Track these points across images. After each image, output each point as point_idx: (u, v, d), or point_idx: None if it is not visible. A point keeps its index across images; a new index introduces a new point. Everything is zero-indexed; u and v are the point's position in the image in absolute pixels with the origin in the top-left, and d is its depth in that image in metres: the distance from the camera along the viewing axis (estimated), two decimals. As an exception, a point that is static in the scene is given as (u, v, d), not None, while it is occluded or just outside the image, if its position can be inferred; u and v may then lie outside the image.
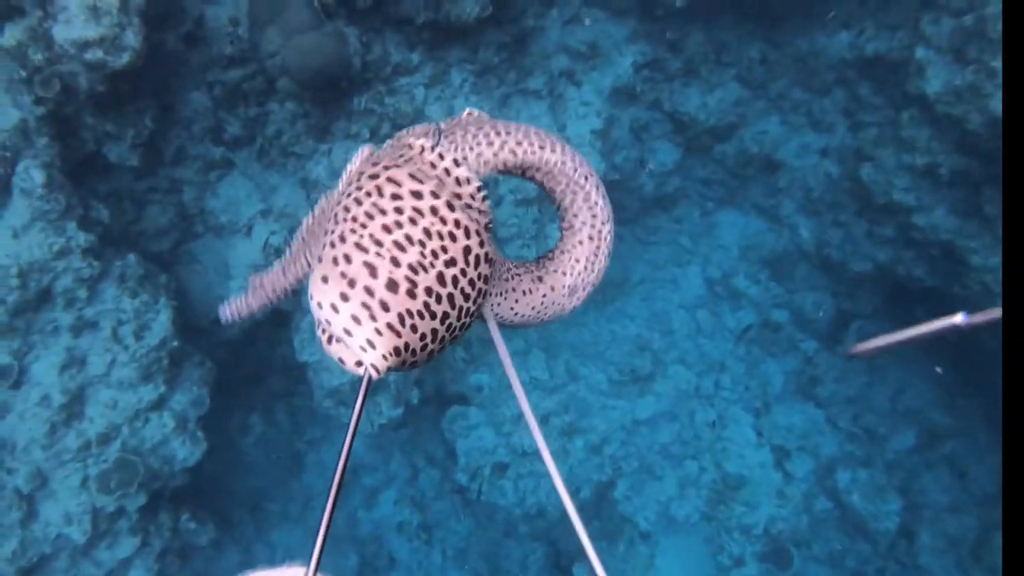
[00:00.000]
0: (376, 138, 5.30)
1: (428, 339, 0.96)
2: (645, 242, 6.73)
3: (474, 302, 1.02)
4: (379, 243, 0.92)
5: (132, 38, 4.30)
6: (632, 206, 6.53)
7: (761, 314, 6.47)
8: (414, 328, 0.93)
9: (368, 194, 0.96)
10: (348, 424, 0.83)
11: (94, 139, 4.77)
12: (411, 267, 0.92)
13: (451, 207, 0.96)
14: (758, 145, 6.20)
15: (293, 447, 5.83)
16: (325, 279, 0.94)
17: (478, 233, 0.99)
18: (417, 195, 0.95)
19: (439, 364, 6.08)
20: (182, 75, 5.02)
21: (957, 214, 5.39)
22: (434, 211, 0.95)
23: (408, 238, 0.93)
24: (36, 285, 4.45)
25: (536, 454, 5.84)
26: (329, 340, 0.97)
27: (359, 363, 0.93)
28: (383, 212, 0.94)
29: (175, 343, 4.73)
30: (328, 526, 0.79)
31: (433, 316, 0.94)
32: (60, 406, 4.49)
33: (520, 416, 5.99)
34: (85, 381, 4.63)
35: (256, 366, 5.79)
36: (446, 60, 5.42)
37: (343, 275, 0.92)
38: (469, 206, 1.00)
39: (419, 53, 5.30)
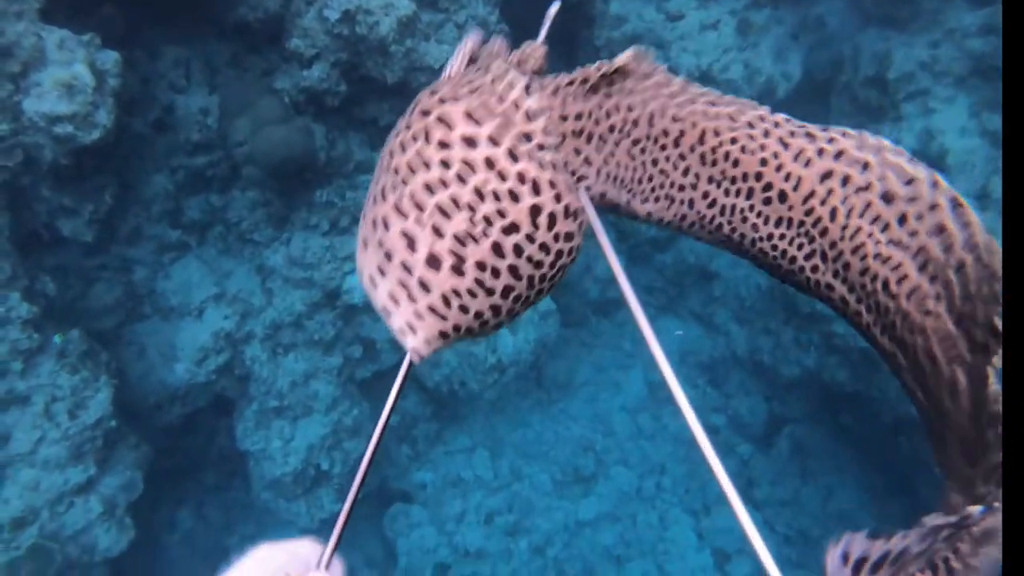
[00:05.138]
0: (335, 230, 5.45)
1: (488, 315, 0.79)
2: (590, 345, 6.95)
3: (553, 266, 0.83)
4: (420, 206, 0.75)
5: (104, 116, 4.39)
6: (578, 310, 6.80)
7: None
8: (464, 308, 0.77)
9: (414, 138, 0.78)
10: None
11: (47, 212, 4.72)
12: (457, 238, 0.75)
13: (514, 156, 0.76)
14: (694, 256, 6.66)
15: (223, 544, 5.46)
16: (364, 243, 0.80)
17: (552, 184, 0.78)
18: (470, 142, 0.76)
19: (381, 459, 5.94)
20: (145, 157, 5.10)
21: (873, 324, 5.86)
22: (490, 164, 0.76)
23: (455, 201, 0.75)
24: (-35, 356, 4.24)
25: (478, 554, 5.67)
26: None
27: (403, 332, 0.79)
28: (427, 165, 0.76)
29: (112, 423, 4.51)
30: (355, 500, 0.73)
31: (491, 292, 0.77)
32: (-28, 488, 4.16)
33: (463, 515, 5.85)
34: (6, 460, 4.32)
35: (191, 457, 5.51)
36: (407, 161, 5.72)
37: (380, 244, 0.77)
38: (542, 147, 0.78)
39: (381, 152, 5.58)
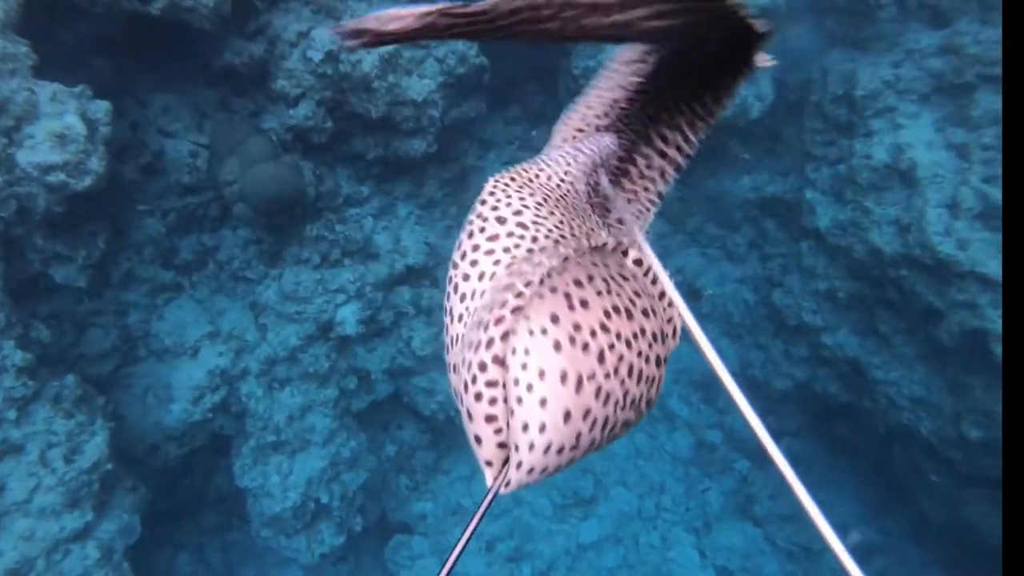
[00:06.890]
0: (326, 263, 5.52)
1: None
2: (582, 367, 7.00)
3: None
4: (622, 405, 0.78)
5: (96, 163, 4.48)
6: (568, 332, 6.87)
7: (696, 435, 6.71)
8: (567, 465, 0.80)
9: (639, 356, 0.80)
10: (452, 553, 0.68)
11: (41, 259, 4.78)
12: (612, 435, 0.80)
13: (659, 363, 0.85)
14: (681, 275, 6.77)
15: (223, 585, 5.43)
16: (568, 416, 0.72)
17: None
18: (659, 363, 0.84)
19: (380, 491, 5.95)
20: (137, 201, 5.19)
21: (858, 333, 5.96)
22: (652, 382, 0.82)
23: (635, 401, 0.80)
24: (-40, 406, 4.26)
25: None
26: (486, 420, 0.72)
27: (489, 463, 0.76)
28: (639, 379, 0.79)
29: (108, 467, 4.52)
30: None
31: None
32: (-34, 540, 4.15)
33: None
34: (1, 510, 4.32)
35: (189, 499, 5.50)
36: (393, 193, 5.84)
37: (577, 435, 0.73)
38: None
39: (368, 186, 5.70)
